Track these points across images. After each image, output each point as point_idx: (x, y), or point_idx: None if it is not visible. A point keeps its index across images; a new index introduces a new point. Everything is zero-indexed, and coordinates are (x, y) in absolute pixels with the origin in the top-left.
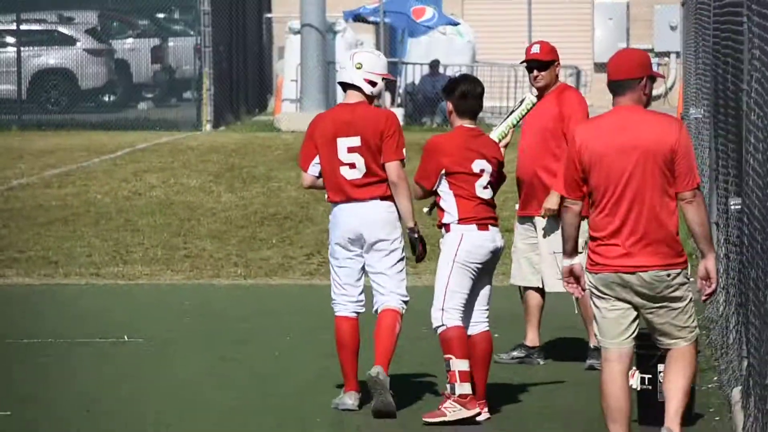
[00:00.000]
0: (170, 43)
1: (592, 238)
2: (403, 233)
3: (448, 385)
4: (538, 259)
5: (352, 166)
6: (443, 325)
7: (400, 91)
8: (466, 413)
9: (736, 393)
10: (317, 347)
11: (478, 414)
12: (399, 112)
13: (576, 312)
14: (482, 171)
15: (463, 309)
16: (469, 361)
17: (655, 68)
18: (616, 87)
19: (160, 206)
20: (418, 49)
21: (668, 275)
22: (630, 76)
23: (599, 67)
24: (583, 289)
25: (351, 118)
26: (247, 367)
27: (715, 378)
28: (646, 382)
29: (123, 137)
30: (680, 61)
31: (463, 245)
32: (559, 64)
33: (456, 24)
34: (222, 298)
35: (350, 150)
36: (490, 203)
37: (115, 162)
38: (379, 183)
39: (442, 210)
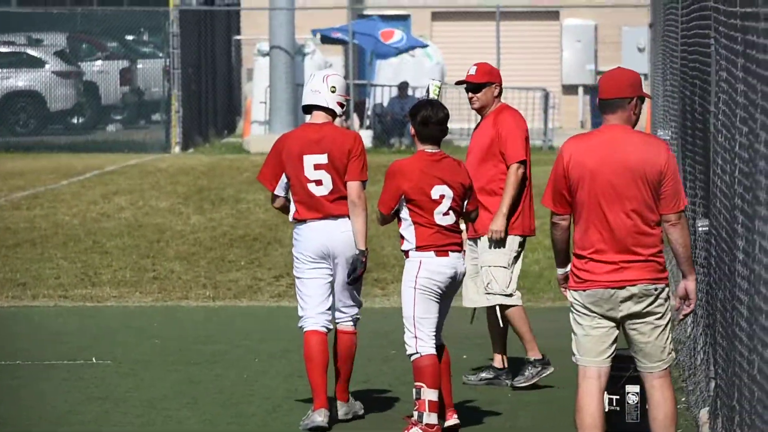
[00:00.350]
0: (139, 65)
1: (577, 256)
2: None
3: (415, 413)
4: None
5: (319, 183)
6: (417, 353)
7: (369, 113)
8: None
9: (704, 414)
10: (286, 368)
11: None
12: (367, 134)
13: (471, 323)
14: (442, 197)
15: (434, 333)
16: None
17: None
18: (606, 105)
19: (128, 228)
20: (386, 71)
21: (655, 289)
22: (620, 95)
23: (567, 89)
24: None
25: (319, 137)
26: (215, 388)
27: (683, 399)
28: (614, 404)
29: (91, 159)
30: (648, 82)
31: (421, 272)
32: (498, 86)
33: (424, 46)
34: (191, 320)
35: (317, 167)
36: (450, 229)
37: (83, 184)
38: (345, 200)
39: (402, 237)
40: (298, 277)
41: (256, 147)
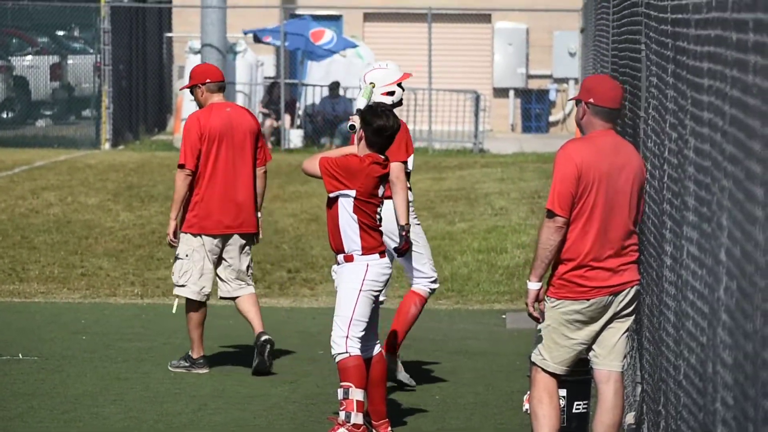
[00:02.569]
0: (70, 61)
1: (575, 264)
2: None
3: (342, 413)
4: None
5: None
6: (346, 353)
7: (300, 112)
8: None
9: (630, 418)
10: (212, 366)
11: None
12: (298, 134)
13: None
14: (381, 196)
15: (362, 337)
16: (368, 383)
17: (553, 94)
18: (608, 113)
19: (57, 224)
20: (318, 71)
21: (639, 289)
22: (620, 106)
23: (498, 92)
24: (541, 313)
25: None
26: (142, 385)
27: None
28: None
29: (21, 154)
30: (579, 87)
31: (369, 275)
32: (200, 85)
33: (355, 46)
34: (118, 317)
35: None
36: (381, 229)
37: (12, 179)
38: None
39: (340, 234)
40: None
41: None
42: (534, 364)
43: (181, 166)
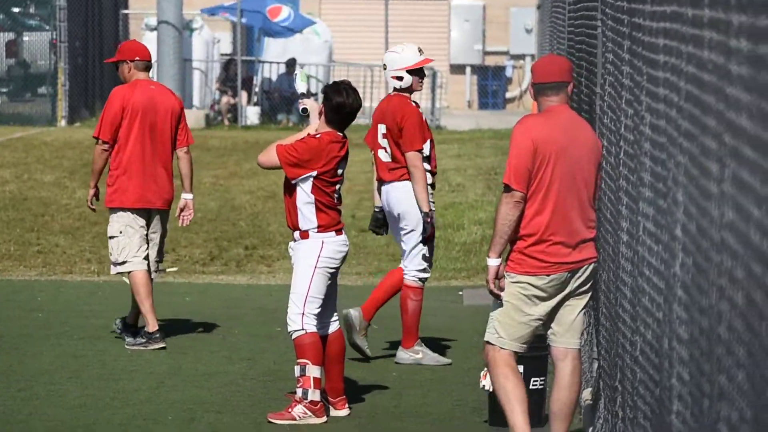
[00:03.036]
0: (25, 38)
1: (536, 239)
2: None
3: (299, 390)
4: None
5: (384, 149)
6: (302, 330)
7: (256, 89)
8: (315, 420)
9: (587, 394)
10: (169, 344)
11: (325, 422)
12: (255, 111)
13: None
14: (341, 175)
15: (318, 314)
16: (326, 360)
17: (509, 71)
18: (551, 88)
19: (13, 201)
20: (275, 48)
21: (596, 267)
22: (562, 79)
23: (455, 68)
24: (501, 290)
25: (386, 107)
26: (99, 362)
27: None
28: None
29: None
30: None
31: (324, 252)
32: (129, 61)
33: (312, 23)
34: (75, 295)
35: (383, 135)
36: (340, 208)
37: None
38: (400, 168)
39: (296, 212)
40: None
41: None
42: (490, 343)
43: (97, 139)
